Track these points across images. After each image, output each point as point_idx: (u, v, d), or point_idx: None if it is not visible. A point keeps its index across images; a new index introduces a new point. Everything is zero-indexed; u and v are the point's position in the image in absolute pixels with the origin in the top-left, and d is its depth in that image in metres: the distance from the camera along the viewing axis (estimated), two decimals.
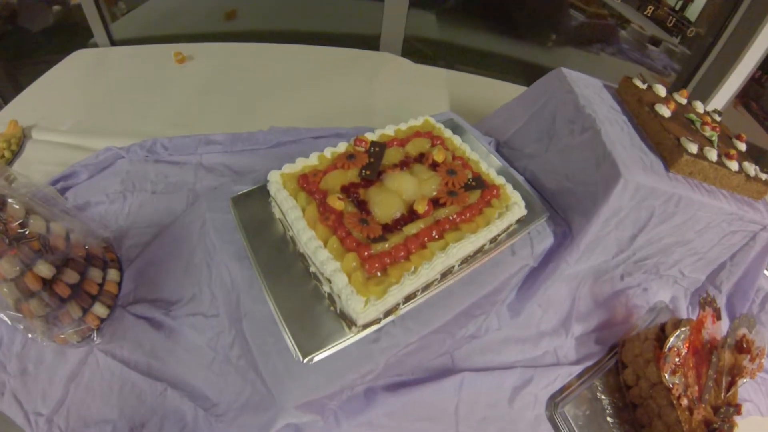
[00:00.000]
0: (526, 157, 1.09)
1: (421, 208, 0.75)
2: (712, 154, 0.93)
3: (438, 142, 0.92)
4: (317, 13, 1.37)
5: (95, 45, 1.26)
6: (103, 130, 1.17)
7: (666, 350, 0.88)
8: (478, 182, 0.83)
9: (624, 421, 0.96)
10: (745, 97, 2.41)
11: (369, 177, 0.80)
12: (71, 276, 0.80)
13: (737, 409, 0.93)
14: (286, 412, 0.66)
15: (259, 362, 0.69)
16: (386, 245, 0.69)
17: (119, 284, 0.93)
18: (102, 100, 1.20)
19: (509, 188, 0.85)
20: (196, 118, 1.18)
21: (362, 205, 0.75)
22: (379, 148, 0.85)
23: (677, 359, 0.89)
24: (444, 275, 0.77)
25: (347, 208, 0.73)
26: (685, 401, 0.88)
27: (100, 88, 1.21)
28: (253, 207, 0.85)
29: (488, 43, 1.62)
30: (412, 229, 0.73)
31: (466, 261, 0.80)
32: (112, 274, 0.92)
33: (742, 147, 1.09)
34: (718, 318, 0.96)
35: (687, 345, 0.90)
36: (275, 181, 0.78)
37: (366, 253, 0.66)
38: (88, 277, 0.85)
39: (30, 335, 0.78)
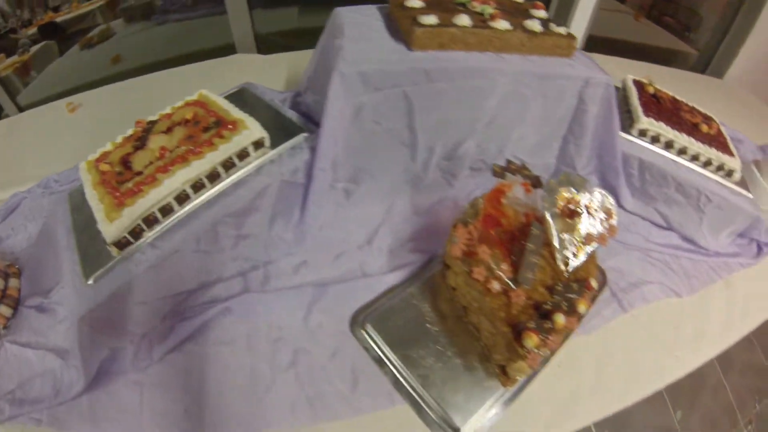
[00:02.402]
0: (311, 94, 0.97)
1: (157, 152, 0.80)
2: (463, 20, 0.76)
3: (199, 105, 0.90)
4: (187, 36, 1.46)
5: (7, 115, 1.34)
6: (14, 183, 1.21)
7: (452, 229, 0.68)
8: (216, 123, 0.83)
9: (453, 326, 0.76)
10: (655, 10, 2.24)
11: (137, 146, 0.84)
12: None
13: (584, 285, 0.70)
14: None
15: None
16: (130, 184, 0.74)
17: (19, 289, 0.97)
18: (12, 159, 1.26)
19: (249, 121, 0.82)
20: (89, 152, 1.27)
21: (128, 165, 0.81)
22: (149, 124, 0.89)
23: (469, 238, 0.68)
24: (182, 202, 0.76)
25: (113, 169, 0.80)
26: (496, 285, 0.67)
27: (10, 150, 1.27)
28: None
29: None
30: (149, 169, 0.77)
31: (203, 186, 0.78)
32: (13, 282, 0.96)
33: (541, 14, 0.89)
34: (535, 186, 0.76)
35: (481, 221, 0.69)
36: (82, 166, 0.85)
37: (117, 193, 0.73)
38: None
39: None
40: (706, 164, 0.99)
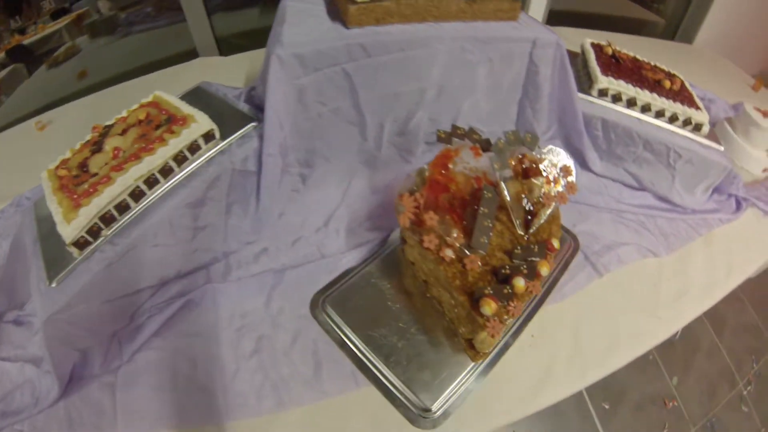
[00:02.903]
0: (262, 85, 0.90)
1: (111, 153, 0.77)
2: None
3: (153, 106, 0.88)
4: (151, 46, 1.43)
5: None
6: None
7: (398, 198, 0.62)
8: (168, 120, 0.80)
9: (416, 303, 0.72)
10: None
11: (94, 150, 0.81)
12: None
13: (545, 246, 0.65)
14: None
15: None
16: (86, 185, 0.72)
17: None
18: None
19: (199, 115, 0.79)
20: None
21: (85, 168, 0.79)
22: (106, 128, 0.86)
23: (416, 206, 0.61)
24: (137, 198, 0.74)
25: (71, 174, 0.78)
26: (449, 253, 0.62)
27: None
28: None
29: None
30: (104, 170, 0.75)
31: (158, 182, 0.76)
32: None
33: None
34: (485, 149, 0.71)
35: (427, 187, 0.63)
36: (43, 175, 0.82)
37: (74, 195, 0.71)
38: None
39: None
40: (673, 119, 0.93)
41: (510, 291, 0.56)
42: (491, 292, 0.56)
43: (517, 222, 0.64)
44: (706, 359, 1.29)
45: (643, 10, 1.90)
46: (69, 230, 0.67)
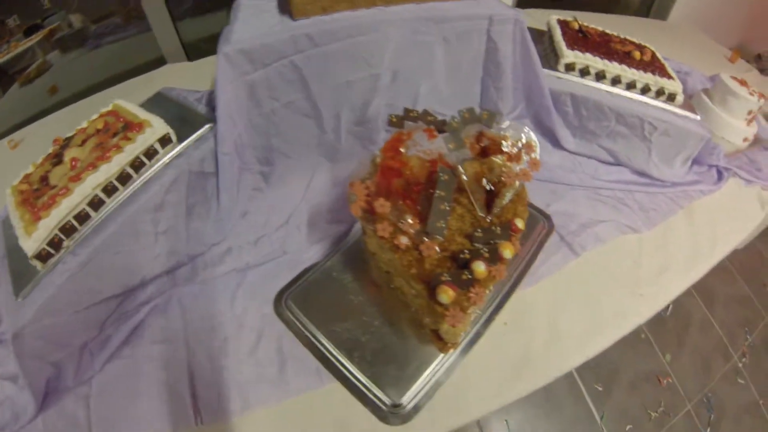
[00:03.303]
0: None
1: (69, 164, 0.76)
2: None
3: (111, 115, 0.86)
4: (121, 56, 1.40)
5: None
6: None
7: (349, 187, 0.57)
8: (124, 127, 0.78)
9: (380, 295, 0.68)
10: None
11: (55, 162, 0.79)
12: None
13: (509, 227, 0.60)
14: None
15: None
16: (45, 198, 0.71)
17: None
18: None
19: (155, 120, 0.78)
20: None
21: (45, 181, 0.78)
22: (66, 140, 0.84)
23: (367, 193, 0.57)
24: (97, 208, 0.72)
25: (31, 187, 0.77)
26: (404, 240, 0.58)
27: None
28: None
29: None
30: (62, 181, 0.73)
31: (116, 189, 0.74)
32: None
33: None
34: (441, 131, 0.66)
35: (378, 174, 0.58)
36: (7, 192, 0.80)
37: (35, 209, 0.70)
38: None
39: None
40: (645, 91, 0.88)
41: (470, 276, 0.52)
42: (449, 278, 0.51)
43: (478, 204, 0.60)
44: (699, 334, 1.24)
45: None
46: (30, 243, 0.66)
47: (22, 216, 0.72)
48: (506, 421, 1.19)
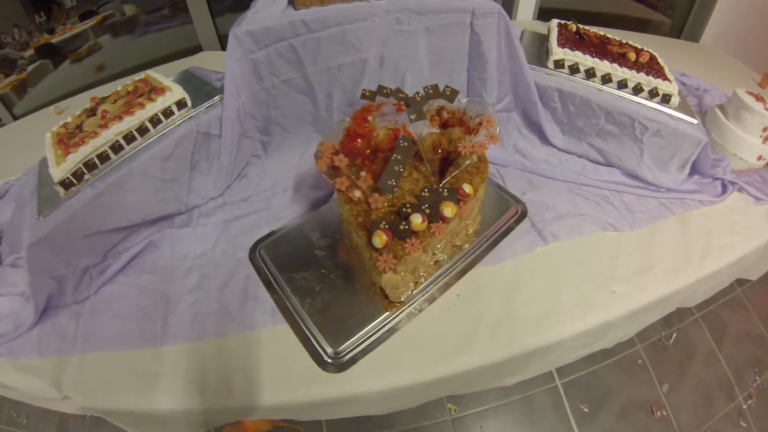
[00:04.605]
0: None
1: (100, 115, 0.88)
2: None
3: (142, 81, 0.98)
4: (164, 43, 1.55)
5: (4, 124, 1.43)
6: (6, 175, 1.27)
7: (318, 145, 0.62)
8: (149, 91, 0.89)
9: (343, 253, 0.72)
10: None
11: (90, 115, 0.91)
12: None
13: (456, 191, 0.60)
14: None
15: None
16: (76, 139, 0.81)
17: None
18: (6, 158, 1.31)
19: (175, 87, 0.88)
20: None
21: (80, 128, 0.87)
22: (101, 99, 0.96)
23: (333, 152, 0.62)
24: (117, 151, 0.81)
25: (67, 131, 0.87)
26: (357, 193, 0.60)
27: (4, 151, 1.31)
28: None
29: None
30: (92, 128, 0.83)
31: (135, 138, 0.83)
32: None
33: None
34: (408, 106, 0.68)
35: (345, 136, 0.62)
36: (47, 135, 0.91)
37: (67, 147, 0.79)
38: None
39: None
40: (637, 90, 0.86)
41: (407, 227, 0.53)
42: (386, 226, 0.53)
43: (432, 169, 0.61)
44: (703, 367, 1.10)
45: (646, 10, 1.79)
46: (57, 171, 0.77)
47: (56, 152, 0.83)
48: (481, 427, 1.13)
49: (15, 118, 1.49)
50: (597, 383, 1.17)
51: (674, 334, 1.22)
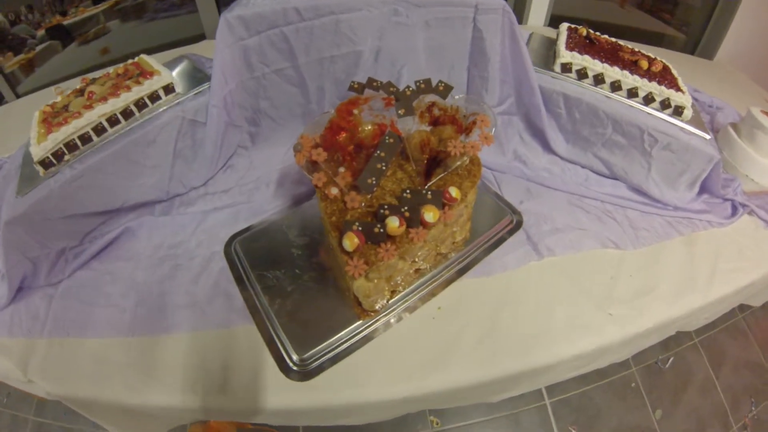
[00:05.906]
0: None
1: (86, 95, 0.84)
2: None
3: (133, 65, 0.93)
4: (170, 30, 1.51)
5: (7, 102, 1.39)
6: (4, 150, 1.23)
7: (299, 138, 0.55)
8: (139, 74, 0.84)
9: (321, 255, 0.65)
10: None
11: (78, 95, 0.85)
12: None
13: (440, 194, 0.53)
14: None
15: None
16: (60, 118, 0.77)
17: None
18: (4, 135, 1.26)
19: (164, 71, 0.84)
20: None
21: (67, 108, 0.83)
22: (92, 80, 0.92)
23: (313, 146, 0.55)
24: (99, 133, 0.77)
25: (53, 110, 0.82)
26: (334, 190, 0.53)
27: (4, 128, 1.27)
28: None
29: None
30: (77, 108, 0.80)
31: (118, 122, 0.78)
32: None
33: None
34: (398, 99, 0.61)
35: (326, 129, 0.55)
36: (35, 114, 0.86)
37: (50, 126, 0.76)
38: None
39: None
40: (648, 100, 0.78)
41: (381, 231, 0.47)
42: (359, 228, 0.47)
43: (417, 170, 0.54)
44: (698, 394, 1.02)
45: (661, 24, 1.70)
46: (38, 150, 0.73)
47: (39, 130, 0.79)
48: None
49: (18, 96, 1.47)
50: (588, 405, 1.10)
51: (671, 359, 1.14)
